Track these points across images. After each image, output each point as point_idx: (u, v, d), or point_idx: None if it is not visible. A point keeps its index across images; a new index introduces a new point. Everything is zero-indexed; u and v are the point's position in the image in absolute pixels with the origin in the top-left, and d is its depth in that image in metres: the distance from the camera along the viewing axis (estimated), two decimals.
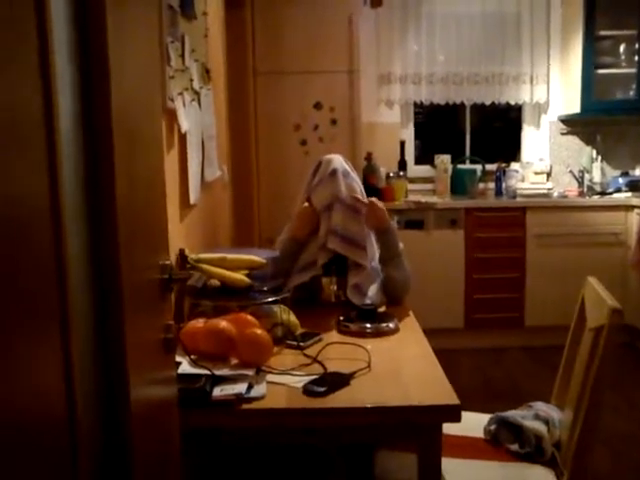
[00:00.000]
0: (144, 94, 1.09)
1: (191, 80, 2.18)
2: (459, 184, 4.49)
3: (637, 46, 4.31)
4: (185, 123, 2.03)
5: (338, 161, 2.12)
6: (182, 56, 2.05)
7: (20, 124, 0.64)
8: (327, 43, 3.94)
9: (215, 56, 2.91)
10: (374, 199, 2.13)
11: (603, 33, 4.36)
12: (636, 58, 4.33)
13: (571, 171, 4.68)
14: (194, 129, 2.18)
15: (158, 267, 1.12)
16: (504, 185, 4.49)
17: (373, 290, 2.07)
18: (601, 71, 4.39)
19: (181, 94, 2.00)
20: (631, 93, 4.40)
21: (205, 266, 1.86)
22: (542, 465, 1.67)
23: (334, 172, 2.08)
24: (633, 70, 4.35)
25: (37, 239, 0.67)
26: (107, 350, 0.86)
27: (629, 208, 4.17)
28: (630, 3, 4.31)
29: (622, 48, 4.42)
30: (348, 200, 2.07)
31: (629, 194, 4.35)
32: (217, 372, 1.42)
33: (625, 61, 4.43)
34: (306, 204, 2.12)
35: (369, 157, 4.34)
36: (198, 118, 2.27)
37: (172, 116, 1.95)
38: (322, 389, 1.39)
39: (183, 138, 2.07)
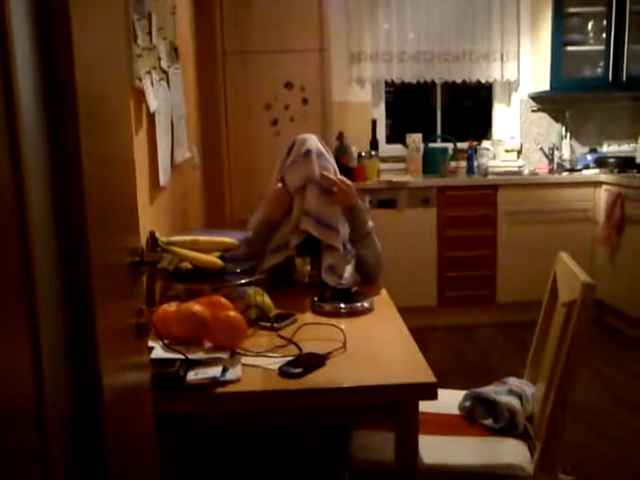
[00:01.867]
0: (110, 72, 1.05)
1: (159, 59, 2.13)
2: (431, 163, 4.50)
3: (605, 23, 4.34)
4: (153, 102, 1.98)
5: (312, 141, 2.10)
6: (149, 34, 2.00)
7: None
8: (297, 22, 3.89)
9: (183, 35, 2.85)
10: (342, 177, 2.12)
11: (572, 10, 4.38)
12: (604, 36, 4.36)
13: (541, 148, 4.72)
14: (163, 109, 2.13)
15: (128, 250, 1.09)
16: (475, 163, 4.52)
17: (348, 271, 2.06)
18: (570, 48, 4.42)
19: (149, 73, 1.96)
20: (599, 70, 4.44)
21: (177, 249, 1.83)
22: (515, 438, 1.70)
23: (308, 152, 2.06)
24: (601, 48, 4.38)
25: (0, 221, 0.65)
26: (77, 336, 0.84)
27: (597, 184, 4.23)
28: None
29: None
30: (321, 181, 2.05)
31: (597, 170, 4.41)
32: (191, 356, 1.40)
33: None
34: (279, 185, 2.09)
35: (341, 137, 4.32)
36: (167, 98, 2.22)
37: (140, 95, 1.90)
38: (298, 370, 1.39)
39: (152, 118, 2.03)
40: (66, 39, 0.80)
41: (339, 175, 2.13)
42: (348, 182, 2.10)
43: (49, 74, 0.78)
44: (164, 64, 2.20)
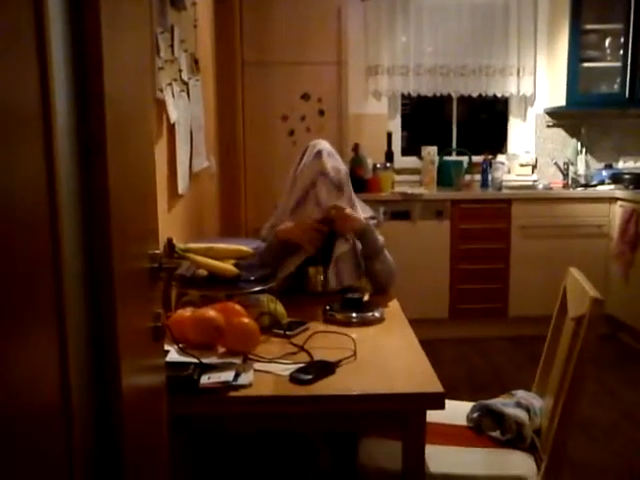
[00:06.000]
0: (135, 85, 1.10)
1: (180, 71, 2.19)
2: (445, 175, 4.53)
3: (622, 40, 4.35)
4: (174, 113, 2.04)
5: (323, 144, 2.17)
6: (171, 47, 2.06)
7: (16, 116, 0.65)
8: (315, 34, 3.95)
9: (204, 46, 2.91)
10: (339, 206, 2.08)
11: (589, 27, 4.39)
12: (621, 52, 4.37)
13: (556, 163, 4.73)
14: (183, 119, 2.19)
15: (148, 256, 1.13)
16: (490, 177, 4.53)
17: (347, 271, 2.14)
18: (587, 64, 4.43)
19: (170, 85, 2.01)
20: (615, 87, 4.45)
21: (193, 255, 1.87)
22: (522, 451, 1.71)
23: (319, 153, 2.13)
24: (618, 64, 4.39)
25: (33, 229, 0.69)
26: (99, 337, 0.88)
27: (612, 200, 4.23)
28: None
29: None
30: (333, 176, 2.09)
31: (612, 186, 4.41)
32: (205, 360, 1.44)
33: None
34: (320, 223, 2.07)
35: (356, 148, 4.36)
36: (187, 108, 2.28)
37: (161, 106, 1.96)
38: (308, 377, 1.42)
39: (172, 128, 2.08)
40: (97, 55, 0.85)
41: (348, 174, 2.18)
42: (348, 211, 2.09)
43: (81, 85, 0.83)
44: (185, 76, 2.25)
